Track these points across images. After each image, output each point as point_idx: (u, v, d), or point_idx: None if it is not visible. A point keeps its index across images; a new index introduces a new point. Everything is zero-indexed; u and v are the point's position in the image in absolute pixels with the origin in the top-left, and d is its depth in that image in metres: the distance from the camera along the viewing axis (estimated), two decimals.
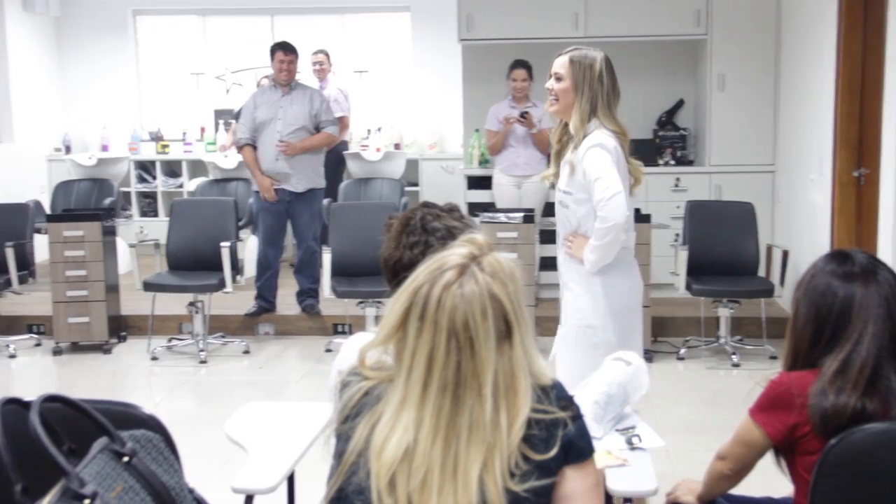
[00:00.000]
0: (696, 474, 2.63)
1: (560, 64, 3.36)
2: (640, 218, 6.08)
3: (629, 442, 2.59)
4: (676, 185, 7.36)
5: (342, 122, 7.78)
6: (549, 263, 7.23)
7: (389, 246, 2.14)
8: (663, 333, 6.43)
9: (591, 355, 3.29)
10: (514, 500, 1.56)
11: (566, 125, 3.40)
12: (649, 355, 5.90)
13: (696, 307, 6.35)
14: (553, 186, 3.54)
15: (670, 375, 5.83)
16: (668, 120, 7.76)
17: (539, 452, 1.58)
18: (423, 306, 1.56)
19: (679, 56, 7.73)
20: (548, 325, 5.48)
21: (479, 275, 1.58)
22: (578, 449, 1.64)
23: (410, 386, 1.57)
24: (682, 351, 6.17)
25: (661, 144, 7.64)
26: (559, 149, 3.44)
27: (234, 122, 8.56)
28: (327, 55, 8.49)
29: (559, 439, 1.60)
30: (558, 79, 3.35)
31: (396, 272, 2.09)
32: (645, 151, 7.53)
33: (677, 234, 6.68)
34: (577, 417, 1.66)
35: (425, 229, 2.10)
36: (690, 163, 7.64)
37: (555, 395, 1.65)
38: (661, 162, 7.60)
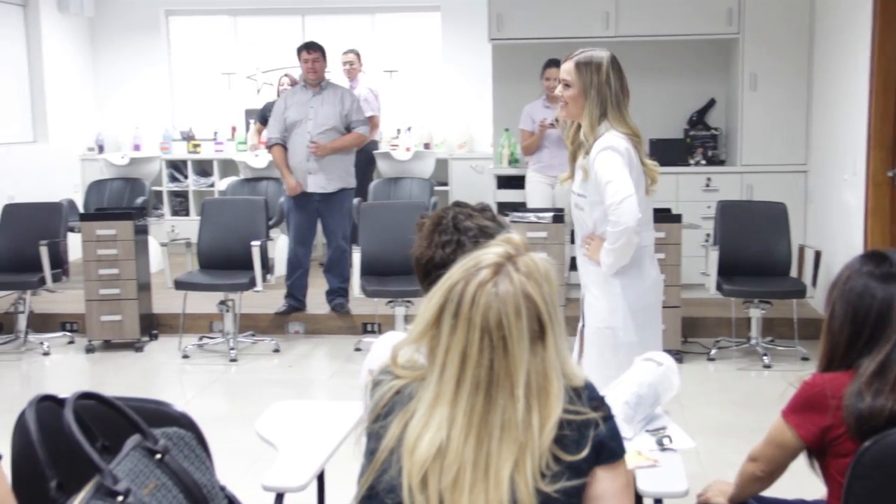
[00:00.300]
0: (727, 476, 2.62)
1: (567, 70, 3.35)
2: (671, 218, 6.08)
3: (660, 443, 2.57)
4: (707, 185, 7.32)
5: (372, 122, 7.79)
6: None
7: (421, 245, 2.14)
8: (693, 334, 6.40)
9: (612, 357, 3.29)
10: (544, 500, 1.56)
11: (579, 126, 3.40)
12: (679, 356, 5.86)
13: (727, 308, 6.31)
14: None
15: (700, 376, 5.80)
16: (699, 119, 7.71)
17: (570, 453, 1.58)
18: (457, 304, 1.57)
19: (710, 55, 7.67)
20: (577, 324, 5.45)
21: (514, 274, 1.58)
22: (610, 449, 1.64)
23: (444, 383, 1.57)
24: (713, 352, 6.13)
25: (692, 144, 7.59)
26: (573, 150, 3.45)
27: (258, 122, 8.64)
28: (358, 55, 8.51)
29: (590, 440, 1.60)
30: (567, 85, 3.35)
31: (428, 271, 2.09)
32: (675, 151, 7.51)
33: (708, 235, 6.64)
34: (609, 418, 1.66)
35: (457, 228, 2.10)
36: (722, 162, 7.59)
37: (586, 395, 1.65)
38: (691, 162, 7.55)
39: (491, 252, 1.62)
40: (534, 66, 6.96)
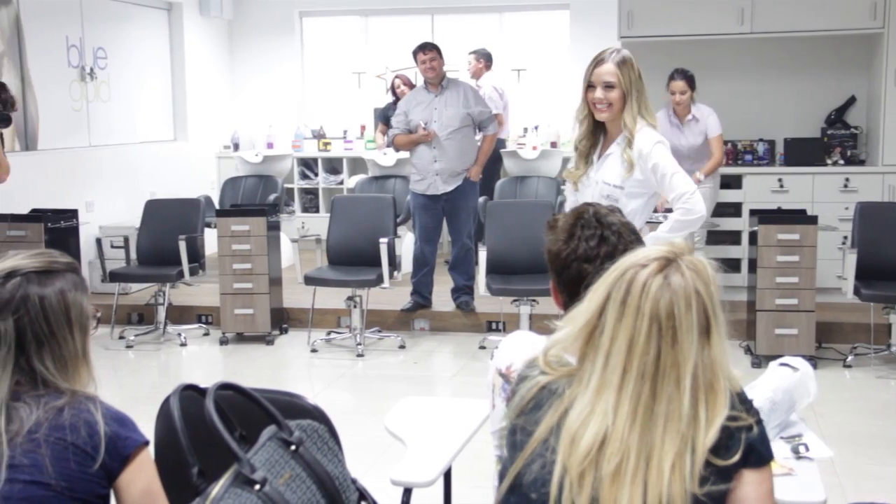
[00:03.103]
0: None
1: (609, 72, 3.46)
2: (806, 219, 5.91)
3: (795, 450, 2.50)
4: (846, 186, 7.06)
5: (497, 120, 7.79)
6: None
7: (559, 240, 2.13)
8: (829, 339, 6.19)
9: None
10: (693, 502, 1.54)
11: (591, 127, 3.53)
12: (813, 361, 5.67)
13: (866, 313, 6.07)
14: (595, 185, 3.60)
15: (836, 383, 5.60)
16: (837, 118, 7.45)
17: (721, 458, 1.57)
18: (625, 291, 1.57)
19: (851, 51, 7.39)
20: None
21: (684, 269, 1.59)
22: (759, 454, 1.62)
23: (608, 371, 1.57)
24: (850, 358, 5.91)
25: (830, 143, 7.35)
26: (584, 149, 3.58)
27: (380, 122, 8.76)
28: (478, 56, 8.57)
29: (742, 443, 1.58)
30: (610, 87, 3.46)
31: (568, 265, 2.09)
32: (812, 150, 7.28)
33: (845, 237, 6.41)
34: (760, 422, 1.64)
35: (600, 223, 2.11)
36: (861, 162, 7.32)
37: (739, 401, 1.63)
38: (829, 161, 7.31)
39: (657, 249, 1.62)
40: (665, 64, 6.83)
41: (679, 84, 6.50)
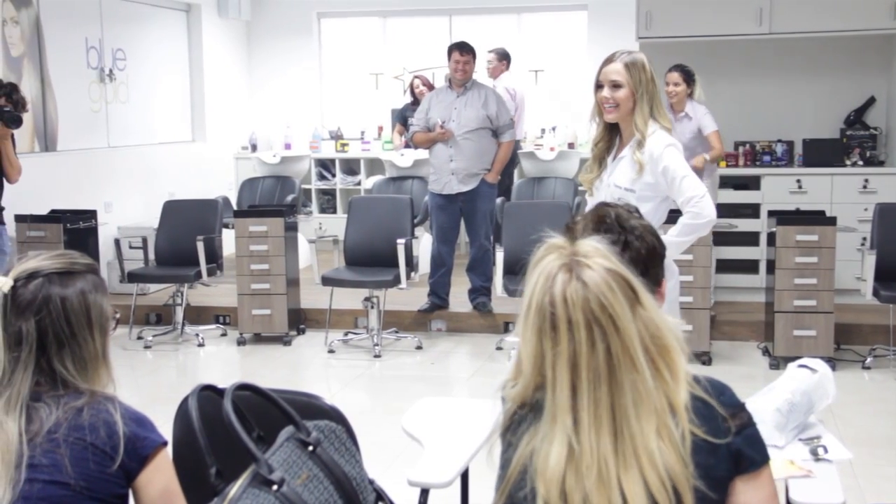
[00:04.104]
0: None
1: (616, 71, 3.41)
2: (825, 220, 5.88)
3: (814, 452, 2.49)
4: (865, 187, 7.02)
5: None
6: (723, 265, 7.03)
7: None
8: (847, 341, 6.15)
9: None
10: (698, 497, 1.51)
11: (607, 129, 3.49)
12: (832, 363, 5.65)
13: (885, 314, 6.03)
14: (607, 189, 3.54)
15: (855, 385, 5.57)
16: (857, 118, 7.41)
17: (695, 426, 1.52)
18: (551, 315, 1.53)
19: (870, 51, 7.36)
20: None
21: (587, 261, 1.55)
22: (748, 458, 1.56)
23: (557, 397, 1.53)
24: (869, 360, 5.88)
25: (849, 144, 7.31)
26: (599, 152, 3.53)
27: (398, 123, 8.76)
28: (498, 56, 8.55)
29: (725, 438, 1.54)
30: (616, 86, 3.40)
31: None
32: (830, 151, 7.25)
33: (864, 238, 6.38)
34: (746, 427, 1.58)
35: (623, 227, 2.06)
36: (881, 163, 7.28)
37: (706, 386, 1.59)
38: (848, 162, 7.27)
39: (549, 259, 1.58)
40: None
41: (673, 75, 6.46)
